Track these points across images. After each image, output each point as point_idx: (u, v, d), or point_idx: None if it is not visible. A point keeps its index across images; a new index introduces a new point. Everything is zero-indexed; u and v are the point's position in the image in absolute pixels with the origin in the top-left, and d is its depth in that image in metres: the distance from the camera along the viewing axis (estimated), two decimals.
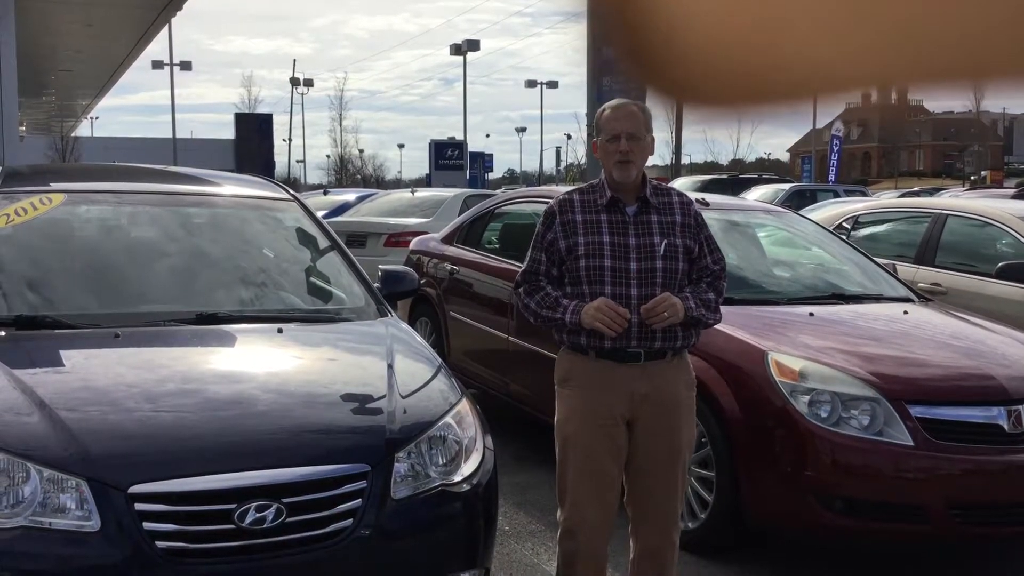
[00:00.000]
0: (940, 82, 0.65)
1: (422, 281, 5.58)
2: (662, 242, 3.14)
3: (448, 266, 6.67)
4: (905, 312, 4.89)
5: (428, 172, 43.43)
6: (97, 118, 65.80)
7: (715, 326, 3.38)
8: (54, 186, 4.39)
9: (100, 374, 3.24)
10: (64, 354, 3.36)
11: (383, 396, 3.20)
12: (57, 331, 3.47)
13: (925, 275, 6.77)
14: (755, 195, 18.69)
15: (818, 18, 0.66)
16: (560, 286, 3.21)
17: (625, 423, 3.16)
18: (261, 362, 3.50)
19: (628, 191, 3.18)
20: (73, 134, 44.14)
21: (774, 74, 0.71)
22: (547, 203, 6.04)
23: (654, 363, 3.15)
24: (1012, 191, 17.37)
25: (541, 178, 70.99)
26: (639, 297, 3.08)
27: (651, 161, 3.35)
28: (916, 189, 30.60)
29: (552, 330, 3.26)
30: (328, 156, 74.62)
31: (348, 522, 2.82)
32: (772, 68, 0.70)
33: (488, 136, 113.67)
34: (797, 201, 16.80)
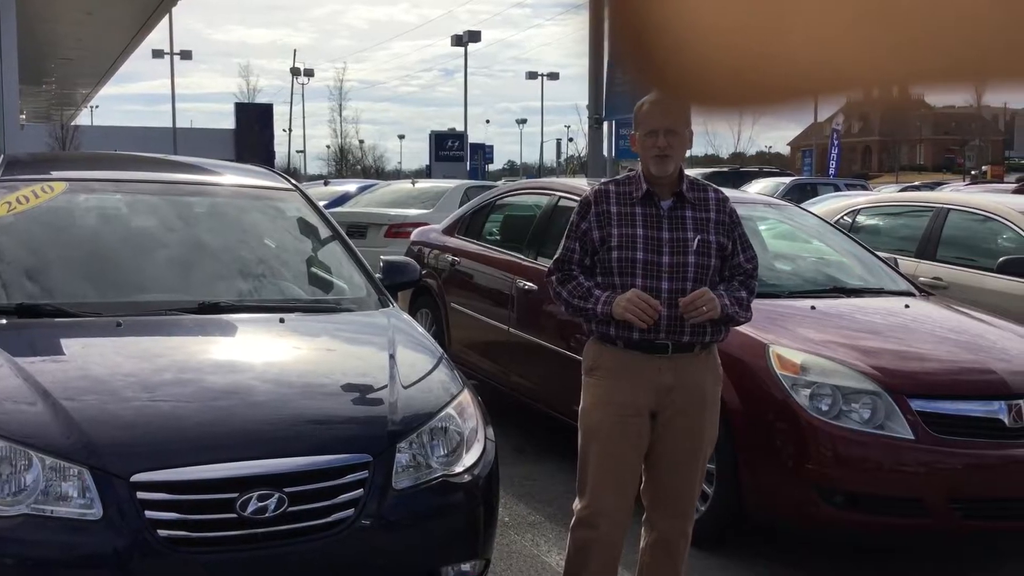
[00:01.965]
0: (942, 79, 0.65)
1: (423, 272, 5.58)
2: (695, 238, 3.14)
3: (449, 257, 6.67)
4: (906, 306, 4.89)
5: (428, 163, 43.37)
6: (97, 107, 65.78)
7: None
8: (55, 174, 4.38)
9: (99, 363, 3.24)
10: (65, 343, 3.36)
11: (385, 386, 3.20)
12: (59, 320, 3.47)
13: (926, 269, 6.77)
14: (756, 188, 18.68)
15: (820, 15, 0.66)
16: (592, 276, 3.22)
17: (650, 414, 3.17)
18: (262, 352, 3.50)
19: (664, 185, 3.17)
20: (73, 123, 44.11)
21: (776, 75, 0.71)
22: (549, 195, 6.07)
23: (681, 356, 3.15)
24: (1013, 186, 17.36)
25: (541, 170, 70.95)
26: (669, 291, 3.09)
27: None
28: (917, 183, 30.60)
29: (581, 320, 3.27)
30: (328, 146, 74.65)
31: (350, 512, 2.83)
32: (774, 69, 0.70)
33: (488, 122, 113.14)
34: (798, 194, 16.81)
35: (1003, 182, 27.56)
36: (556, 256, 3.30)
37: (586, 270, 3.23)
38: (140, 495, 2.65)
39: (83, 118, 51.58)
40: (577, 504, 3.26)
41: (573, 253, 3.24)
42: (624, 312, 3.04)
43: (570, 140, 74.08)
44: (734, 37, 0.70)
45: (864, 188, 20.91)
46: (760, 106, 0.74)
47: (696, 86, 0.75)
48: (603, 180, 3.45)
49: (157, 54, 43.89)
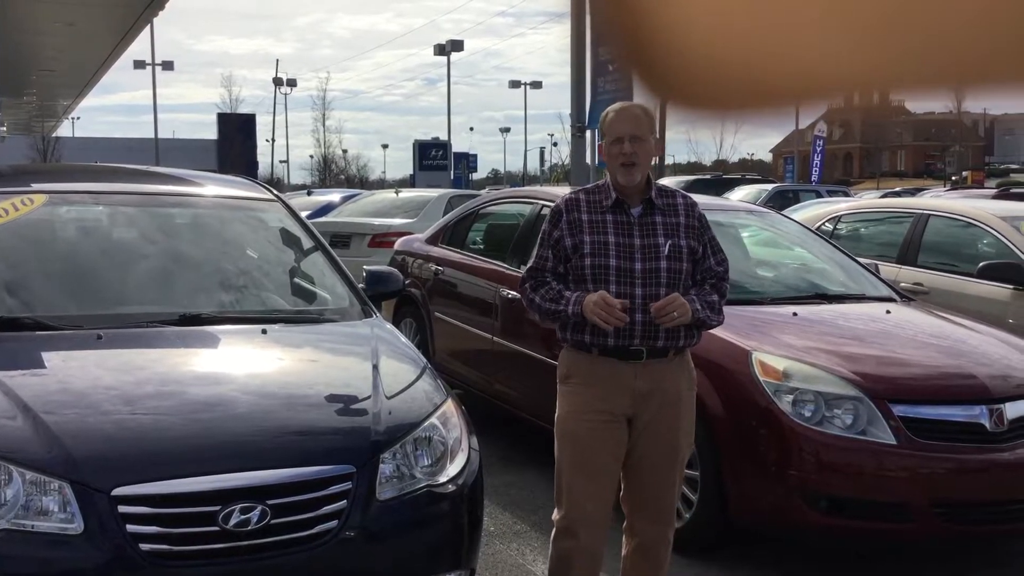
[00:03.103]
0: (922, 86, 0.65)
1: (407, 282, 5.57)
2: (666, 243, 3.16)
3: (433, 267, 6.67)
4: (888, 312, 4.92)
5: (412, 172, 43.36)
6: (79, 118, 65.41)
7: None
8: (36, 187, 4.36)
9: (80, 376, 3.22)
10: (45, 356, 3.34)
11: (368, 397, 3.19)
12: (39, 333, 3.44)
13: (907, 275, 6.81)
14: (738, 195, 18.76)
15: (803, 23, 0.67)
16: (565, 284, 3.23)
17: (626, 420, 3.18)
18: (244, 363, 3.49)
19: (633, 193, 3.21)
20: (54, 134, 43.89)
21: (759, 78, 0.71)
22: (531, 203, 6.07)
23: (656, 361, 3.17)
24: (993, 191, 17.50)
25: (525, 178, 71.03)
26: (643, 297, 3.11)
27: None
28: (898, 189, 30.78)
29: (556, 329, 3.27)
30: (311, 156, 74.50)
31: (333, 523, 2.82)
32: (757, 72, 0.71)
33: (472, 129, 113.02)
34: (780, 201, 16.89)
35: (983, 187, 27.75)
36: (529, 265, 3.33)
37: (559, 278, 3.25)
38: (121, 509, 2.63)
39: (64, 129, 51.33)
40: (556, 514, 3.26)
41: (546, 261, 3.26)
42: (591, 315, 3.05)
43: (554, 144, 74.19)
44: (723, 38, 0.71)
45: (845, 194, 21.02)
46: (742, 109, 0.75)
47: (691, 88, 0.75)
48: (574, 189, 3.46)
49: (139, 65, 43.77)
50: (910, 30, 0.63)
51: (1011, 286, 6.27)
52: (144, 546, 2.62)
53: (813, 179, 31.78)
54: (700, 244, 3.23)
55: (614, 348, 3.14)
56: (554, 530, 3.27)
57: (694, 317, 3.10)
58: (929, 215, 7.21)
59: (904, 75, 0.65)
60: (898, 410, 3.90)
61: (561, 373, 3.29)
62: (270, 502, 2.74)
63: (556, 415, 3.28)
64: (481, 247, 6.63)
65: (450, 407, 3.32)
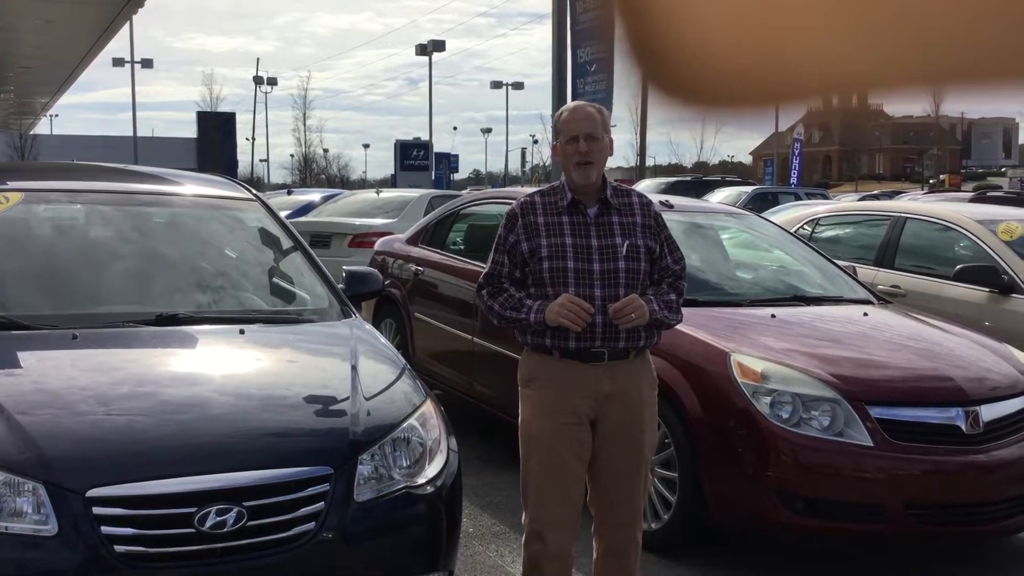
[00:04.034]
0: (901, 88, 0.66)
1: (387, 282, 5.56)
2: (624, 243, 3.16)
3: (413, 267, 6.66)
4: (865, 314, 4.95)
5: (393, 172, 43.27)
6: (56, 116, 65.00)
7: (677, 327, 3.41)
8: (11, 185, 4.31)
9: (55, 376, 3.19)
10: (20, 355, 3.31)
11: (346, 398, 3.18)
12: (14, 332, 3.41)
13: (885, 277, 6.86)
14: (718, 197, 18.85)
15: (785, 24, 0.67)
16: (523, 288, 3.22)
17: (590, 422, 3.18)
18: (221, 364, 3.47)
19: (589, 193, 3.20)
20: (32, 132, 43.50)
21: (740, 75, 0.71)
22: (511, 204, 6.07)
23: (617, 363, 3.17)
24: (970, 195, 17.66)
25: (507, 179, 71.04)
26: (602, 298, 3.10)
27: (616, 163, 3.39)
28: (876, 192, 31.01)
29: (516, 331, 3.27)
30: (292, 155, 74.22)
31: (311, 525, 2.80)
32: (738, 69, 0.71)
33: (455, 129, 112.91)
34: (759, 204, 16.98)
35: (960, 191, 28.00)
36: (485, 271, 3.31)
37: (516, 283, 3.24)
38: (96, 510, 2.61)
39: (42, 127, 50.92)
40: (524, 518, 3.26)
41: (502, 267, 3.25)
42: (557, 317, 3.05)
43: (535, 142, 74.26)
44: (711, 34, 0.71)
45: (824, 197, 21.15)
46: (723, 107, 0.75)
47: (674, 78, 0.76)
48: (529, 191, 3.45)
49: (118, 62, 43.48)
50: (890, 32, 0.63)
51: (987, 289, 6.33)
52: (119, 548, 2.60)
53: (792, 181, 31.97)
54: (657, 243, 3.23)
55: (575, 350, 3.14)
56: (524, 534, 3.27)
57: (652, 317, 3.10)
58: (907, 218, 7.26)
59: (883, 76, 0.65)
60: (875, 412, 3.93)
61: (523, 377, 3.28)
62: (247, 504, 2.73)
63: (520, 419, 3.28)
64: (462, 247, 6.62)
65: (429, 408, 3.32)
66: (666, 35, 0.74)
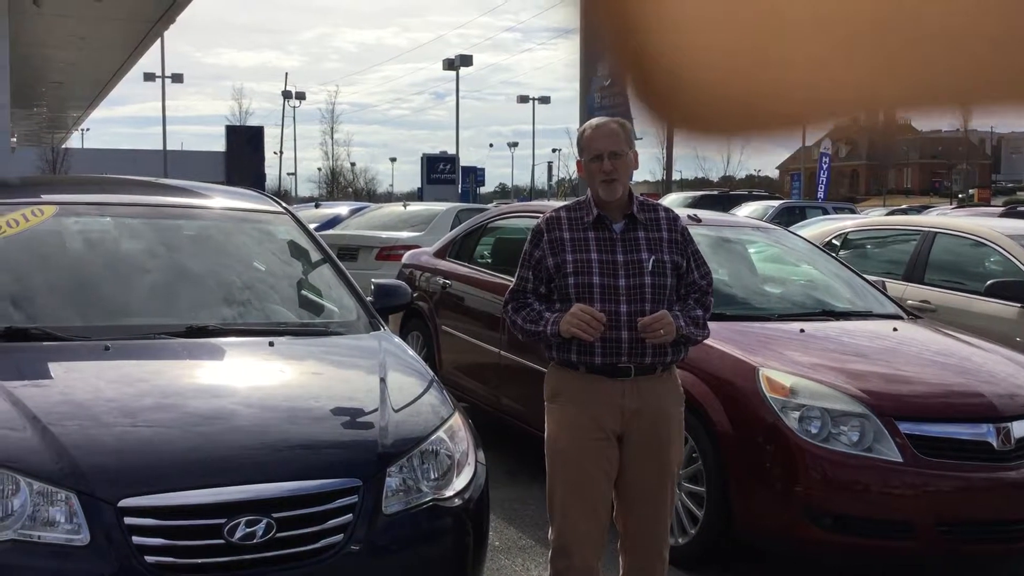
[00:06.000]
0: (928, 106, 0.66)
1: (414, 295, 5.58)
2: (650, 258, 3.15)
3: (440, 280, 6.68)
4: (894, 329, 4.91)
5: (420, 186, 43.43)
6: (88, 130, 65.78)
7: (706, 341, 3.40)
8: (45, 198, 4.38)
9: (82, 388, 3.22)
10: (52, 367, 3.35)
11: (375, 410, 3.19)
12: (47, 343, 3.45)
13: (914, 292, 6.80)
14: (745, 211, 18.76)
15: (809, 47, 0.68)
16: (549, 304, 3.22)
17: (616, 438, 3.17)
18: (249, 376, 3.49)
19: (614, 208, 3.19)
20: (64, 145, 44.08)
21: (766, 103, 0.72)
22: (538, 218, 6.07)
23: (644, 378, 3.16)
24: (1000, 209, 17.48)
25: (533, 193, 71.12)
26: (628, 313, 3.09)
27: (642, 176, 3.38)
28: (904, 207, 30.77)
29: (542, 346, 3.27)
30: (319, 169, 74.73)
31: (339, 537, 2.81)
32: (764, 97, 0.71)
33: (492, 146, 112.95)
34: (786, 218, 16.90)
35: (990, 205, 27.73)
36: (511, 287, 3.31)
37: (541, 298, 3.23)
38: (127, 520, 2.63)
39: (74, 141, 51.64)
40: (551, 533, 3.25)
41: (527, 282, 3.25)
42: (569, 327, 3.03)
43: (555, 151, 74.23)
44: (727, 62, 0.71)
45: (852, 211, 21.02)
46: (750, 132, 0.75)
47: (696, 113, 0.76)
48: (555, 206, 3.45)
49: (148, 77, 43.99)
50: (916, 52, 0.63)
51: (1019, 304, 6.26)
52: (149, 558, 2.62)
53: (819, 196, 31.78)
54: (684, 258, 3.22)
55: (601, 366, 3.12)
56: (551, 549, 3.26)
57: (679, 334, 3.09)
58: (936, 233, 7.20)
59: (910, 96, 0.65)
60: (904, 427, 3.89)
61: (548, 392, 3.28)
62: (275, 515, 2.74)
63: (546, 434, 3.27)
64: (489, 261, 6.64)
65: (457, 421, 3.32)
66: (682, 84, 0.74)
